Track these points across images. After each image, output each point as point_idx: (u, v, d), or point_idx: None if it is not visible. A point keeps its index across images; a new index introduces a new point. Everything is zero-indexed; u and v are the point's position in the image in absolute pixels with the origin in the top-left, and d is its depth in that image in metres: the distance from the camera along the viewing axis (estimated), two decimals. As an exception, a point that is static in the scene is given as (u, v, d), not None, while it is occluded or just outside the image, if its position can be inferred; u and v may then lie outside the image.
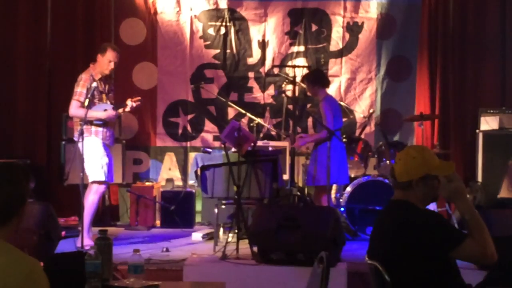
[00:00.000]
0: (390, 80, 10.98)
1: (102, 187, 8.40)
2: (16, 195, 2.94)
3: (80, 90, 8.31)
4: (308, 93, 9.93)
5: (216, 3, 11.06)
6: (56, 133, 10.42)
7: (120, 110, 8.57)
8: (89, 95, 8.17)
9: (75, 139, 8.38)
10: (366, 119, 10.58)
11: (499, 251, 6.87)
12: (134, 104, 8.60)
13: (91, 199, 8.24)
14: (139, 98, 8.68)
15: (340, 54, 11.05)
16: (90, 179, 8.26)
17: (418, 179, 4.14)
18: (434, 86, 10.81)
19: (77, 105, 8.31)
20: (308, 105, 10.64)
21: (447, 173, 4.19)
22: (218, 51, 11.09)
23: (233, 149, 8.42)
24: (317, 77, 9.43)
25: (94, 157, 8.23)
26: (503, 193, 9.48)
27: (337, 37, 11.03)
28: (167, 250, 8.12)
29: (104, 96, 8.49)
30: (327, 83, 9.54)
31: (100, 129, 8.40)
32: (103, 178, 8.35)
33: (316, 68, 10.44)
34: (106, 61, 8.45)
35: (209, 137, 11.05)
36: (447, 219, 4.17)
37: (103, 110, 8.36)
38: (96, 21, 10.92)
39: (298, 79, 10.10)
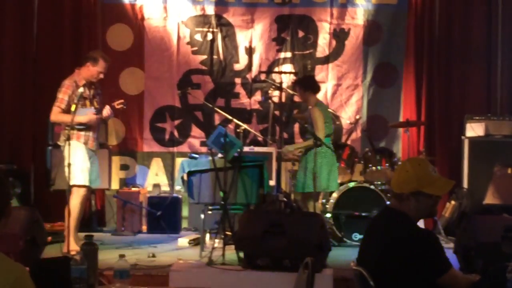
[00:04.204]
0: (377, 86, 11.02)
1: (82, 190, 8.35)
2: (2, 193, 2.93)
3: (61, 96, 8.32)
4: (296, 99, 10.05)
5: (203, 9, 11.07)
6: (42, 138, 10.39)
7: (104, 116, 8.54)
8: (75, 101, 8.16)
9: (60, 143, 8.39)
10: (352, 125, 10.61)
11: (485, 257, 6.93)
12: (116, 107, 8.57)
13: (73, 204, 8.22)
14: (122, 101, 8.67)
15: (326, 60, 11.07)
16: (71, 183, 8.21)
17: (408, 194, 4.13)
18: (420, 93, 10.85)
19: (57, 111, 8.32)
20: (295, 111, 10.68)
21: (440, 193, 4.19)
22: (205, 57, 11.09)
23: (220, 155, 8.42)
24: (309, 83, 9.48)
25: (75, 161, 8.19)
26: (489, 200, 9.52)
27: (323, 44, 11.06)
28: (153, 256, 8.11)
29: (87, 102, 8.46)
30: (317, 89, 9.57)
31: (82, 133, 8.38)
32: (82, 182, 8.32)
33: (308, 74, 10.48)
34: (96, 72, 8.44)
35: (196, 142, 11.05)
36: (439, 243, 4.14)
37: (85, 115, 8.35)
38: (83, 26, 10.90)
39: (284, 85, 10.13)
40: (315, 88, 9.47)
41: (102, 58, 8.51)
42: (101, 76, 8.52)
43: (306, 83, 9.44)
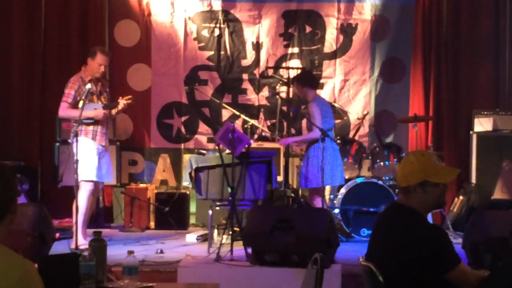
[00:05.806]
0: (384, 81, 10.99)
1: (88, 185, 8.38)
2: (8, 190, 2.92)
3: (67, 91, 8.42)
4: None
5: (210, 4, 11.06)
6: (50, 135, 10.42)
7: (113, 111, 8.58)
8: (83, 97, 8.19)
9: (70, 141, 8.41)
10: (360, 121, 10.57)
11: (493, 252, 6.92)
12: (126, 101, 8.60)
13: (79, 198, 8.22)
14: (130, 96, 8.70)
15: (334, 55, 11.05)
16: (79, 179, 8.22)
17: (415, 185, 4.10)
18: (428, 88, 10.82)
19: (65, 106, 8.41)
20: (303, 107, 10.64)
21: (446, 181, 4.16)
22: (212, 52, 11.08)
23: (227, 151, 8.41)
24: (306, 78, 9.41)
25: (82, 157, 8.19)
26: (497, 195, 9.50)
27: (331, 39, 11.04)
28: (162, 252, 8.12)
29: (95, 97, 8.51)
30: (316, 85, 9.52)
31: (90, 128, 8.42)
32: (88, 178, 8.35)
33: (306, 70, 10.44)
34: (96, 65, 8.50)
35: (203, 139, 11.04)
36: (448, 238, 4.11)
37: (93, 109, 8.39)
38: (90, 22, 10.92)
39: (292, 80, 10.10)
40: (313, 83, 9.39)
41: (100, 51, 8.61)
42: (102, 68, 8.58)
43: (303, 79, 9.36)
